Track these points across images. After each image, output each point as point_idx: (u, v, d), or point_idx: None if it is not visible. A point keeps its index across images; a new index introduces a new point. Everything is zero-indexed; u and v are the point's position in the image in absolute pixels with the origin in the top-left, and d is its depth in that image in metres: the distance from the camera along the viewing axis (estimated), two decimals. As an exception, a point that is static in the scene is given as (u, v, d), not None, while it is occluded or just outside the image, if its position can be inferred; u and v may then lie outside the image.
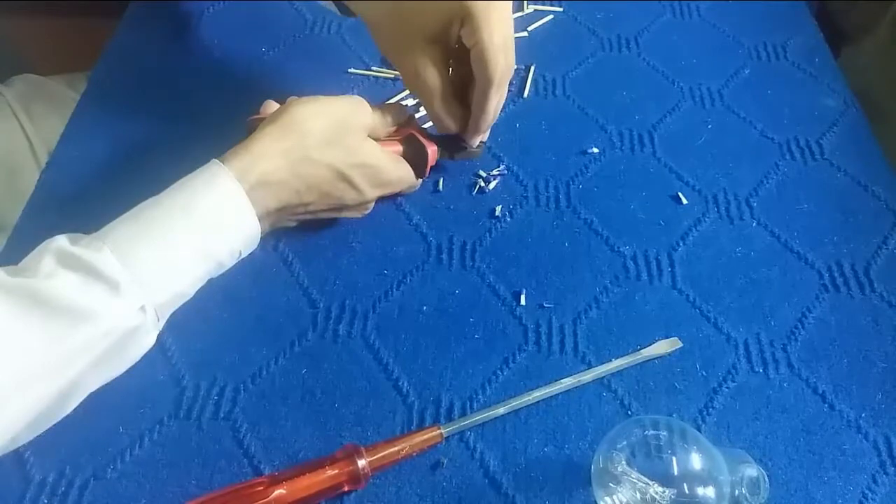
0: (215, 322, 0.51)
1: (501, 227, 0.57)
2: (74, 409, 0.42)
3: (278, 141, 0.47)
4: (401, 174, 0.53)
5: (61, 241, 0.41)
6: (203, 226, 0.44)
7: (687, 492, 0.39)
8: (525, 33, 0.72)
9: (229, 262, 0.46)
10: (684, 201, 0.59)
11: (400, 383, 0.49)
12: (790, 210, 0.59)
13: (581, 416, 0.47)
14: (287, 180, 0.47)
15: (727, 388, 0.49)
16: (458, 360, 0.50)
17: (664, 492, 0.39)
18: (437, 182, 0.60)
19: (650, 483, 0.39)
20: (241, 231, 0.46)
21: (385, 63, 0.69)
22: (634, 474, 0.40)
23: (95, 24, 0.80)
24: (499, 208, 0.58)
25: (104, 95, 0.65)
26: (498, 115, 0.54)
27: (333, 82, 0.67)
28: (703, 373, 0.49)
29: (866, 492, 0.45)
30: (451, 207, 0.58)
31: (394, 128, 0.55)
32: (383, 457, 0.44)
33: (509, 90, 0.66)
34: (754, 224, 0.58)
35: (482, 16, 0.47)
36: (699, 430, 0.46)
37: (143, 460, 0.45)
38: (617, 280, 0.54)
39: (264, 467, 0.45)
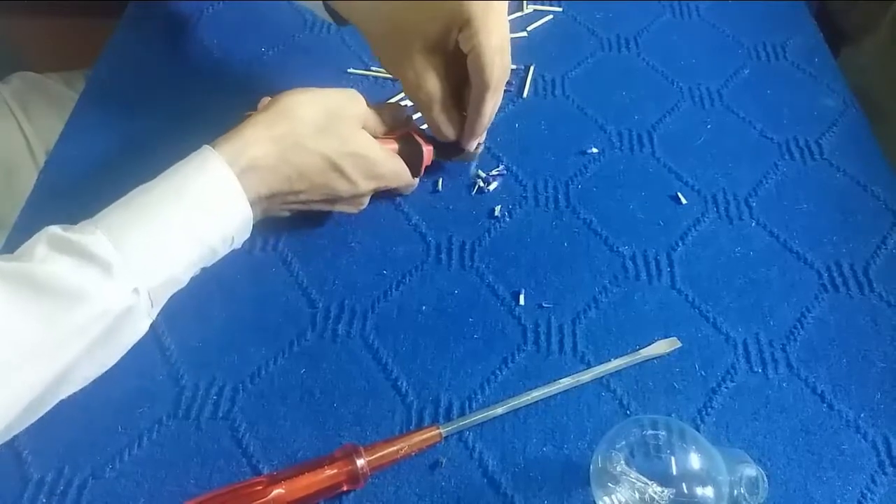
0: (214, 321, 0.51)
1: (501, 227, 0.57)
2: (73, 409, 0.41)
3: (270, 127, 0.47)
4: (394, 167, 0.53)
5: (54, 228, 0.41)
6: (195, 208, 0.44)
7: (686, 491, 0.39)
8: (524, 33, 0.71)
9: (222, 248, 0.46)
10: (683, 201, 0.59)
11: (399, 383, 0.49)
12: (789, 210, 0.59)
13: (580, 415, 0.47)
14: (277, 166, 0.47)
15: (726, 387, 0.49)
16: (457, 360, 0.50)
17: (663, 491, 0.39)
18: (437, 182, 0.60)
19: (649, 483, 0.39)
20: (233, 215, 0.46)
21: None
22: (633, 474, 0.40)
23: (95, 24, 0.80)
24: (498, 208, 0.58)
25: (103, 95, 0.65)
26: (493, 118, 0.54)
27: (333, 82, 0.66)
28: (702, 373, 0.49)
29: (865, 492, 0.45)
30: (451, 207, 0.58)
31: (391, 127, 0.55)
32: (382, 456, 0.44)
33: (508, 90, 0.66)
34: (753, 224, 0.58)
35: (480, 19, 0.47)
36: (698, 429, 0.46)
37: (141, 460, 0.45)
38: (616, 280, 0.54)
39: (263, 467, 0.45)
